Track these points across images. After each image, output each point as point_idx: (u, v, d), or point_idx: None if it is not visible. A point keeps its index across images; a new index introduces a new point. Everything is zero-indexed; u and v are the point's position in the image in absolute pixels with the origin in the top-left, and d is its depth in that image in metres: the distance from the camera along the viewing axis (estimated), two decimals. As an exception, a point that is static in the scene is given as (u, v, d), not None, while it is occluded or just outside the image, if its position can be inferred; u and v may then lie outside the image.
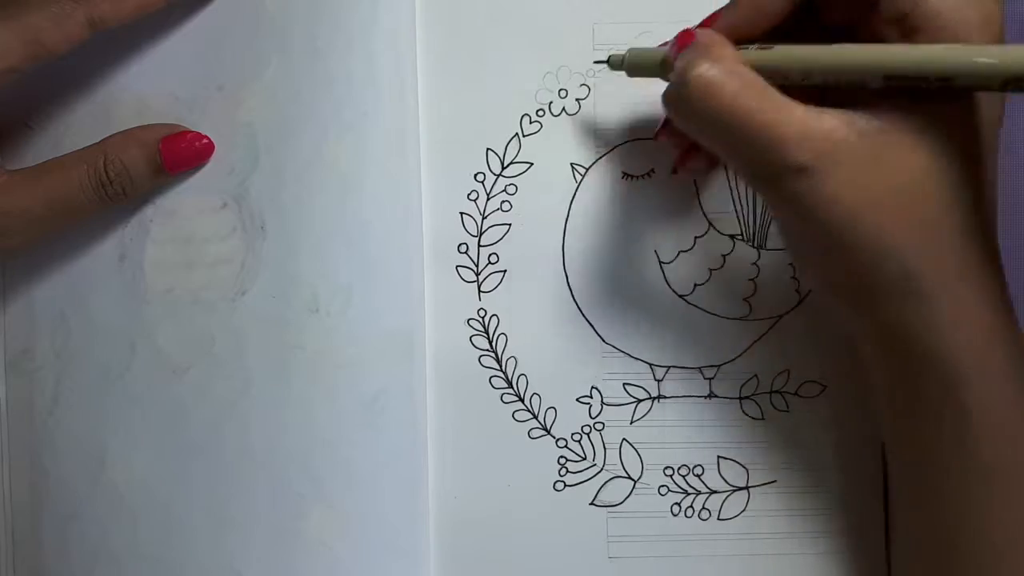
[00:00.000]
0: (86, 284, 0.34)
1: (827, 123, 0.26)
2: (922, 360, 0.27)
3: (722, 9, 0.30)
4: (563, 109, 0.35)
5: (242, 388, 0.34)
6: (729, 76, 0.27)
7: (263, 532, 0.33)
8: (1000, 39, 0.26)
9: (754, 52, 0.28)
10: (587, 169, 0.35)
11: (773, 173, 0.26)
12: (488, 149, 0.35)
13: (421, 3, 0.34)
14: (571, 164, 0.35)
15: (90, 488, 0.34)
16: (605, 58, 0.33)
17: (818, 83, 0.27)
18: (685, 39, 0.29)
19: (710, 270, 0.35)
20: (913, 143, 0.26)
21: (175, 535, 0.34)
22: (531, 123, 0.35)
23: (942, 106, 0.26)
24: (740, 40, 0.29)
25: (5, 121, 0.34)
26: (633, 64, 0.32)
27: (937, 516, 0.28)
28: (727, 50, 0.28)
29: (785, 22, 0.29)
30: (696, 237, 0.35)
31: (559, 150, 0.35)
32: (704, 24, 0.30)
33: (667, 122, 0.33)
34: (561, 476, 0.35)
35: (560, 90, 0.35)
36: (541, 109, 0.35)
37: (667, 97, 0.28)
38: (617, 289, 0.35)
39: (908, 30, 0.26)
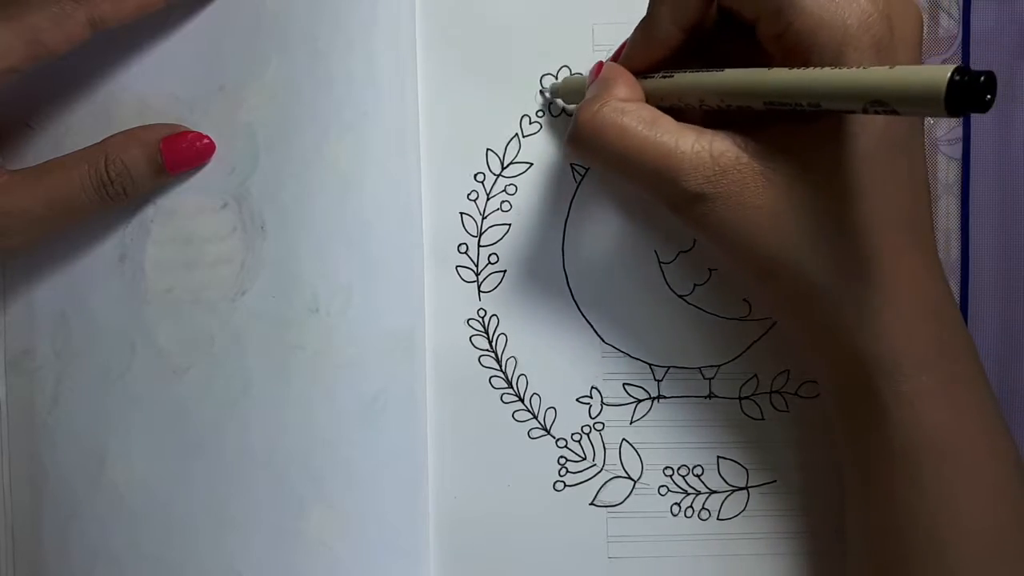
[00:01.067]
0: (86, 284, 0.34)
1: (717, 147, 0.28)
2: (849, 362, 0.28)
3: (625, 41, 0.31)
4: (563, 109, 0.35)
5: (242, 388, 0.34)
6: (617, 113, 0.28)
7: (263, 532, 0.33)
8: (883, 39, 0.26)
9: (651, 81, 0.30)
10: (587, 169, 0.35)
11: (674, 201, 0.28)
12: (488, 149, 0.35)
13: (421, 3, 0.34)
14: (571, 164, 0.35)
15: (90, 488, 0.34)
16: (551, 81, 0.34)
17: (715, 107, 0.28)
18: (598, 70, 0.31)
19: (710, 270, 0.35)
20: (796, 159, 0.27)
21: (175, 535, 0.34)
22: (531, 123, 0.35)
23: (823, 124, 0.27)
24: (647, 68, 0.30)
25: (6, 121, 0.34)
26: (563, 92, 0.34)
27: (880, 512, 0.29)
28: (619, 87, 0.29)
29: (683, 50, 0.30)
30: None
31: (559, 150, 0.35)
32: (614, 56, 0.32)
33: None
34: (561, 476, 0.35)
35: (560, 90, 0.35)
36: (541, 109, 0.35)
37: (566, 140, 0.30)
38: (617, 289, 0.35)
39: (785, 50, 0.27)
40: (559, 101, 0.34)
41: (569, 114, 0.35)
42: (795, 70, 0.25)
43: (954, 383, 0.28)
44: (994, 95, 0.22)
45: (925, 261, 0.28)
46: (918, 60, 0.28)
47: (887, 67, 0.23)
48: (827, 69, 0.25)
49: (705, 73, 0.28)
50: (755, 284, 0.30)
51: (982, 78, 0.21)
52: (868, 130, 0.27)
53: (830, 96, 0.24)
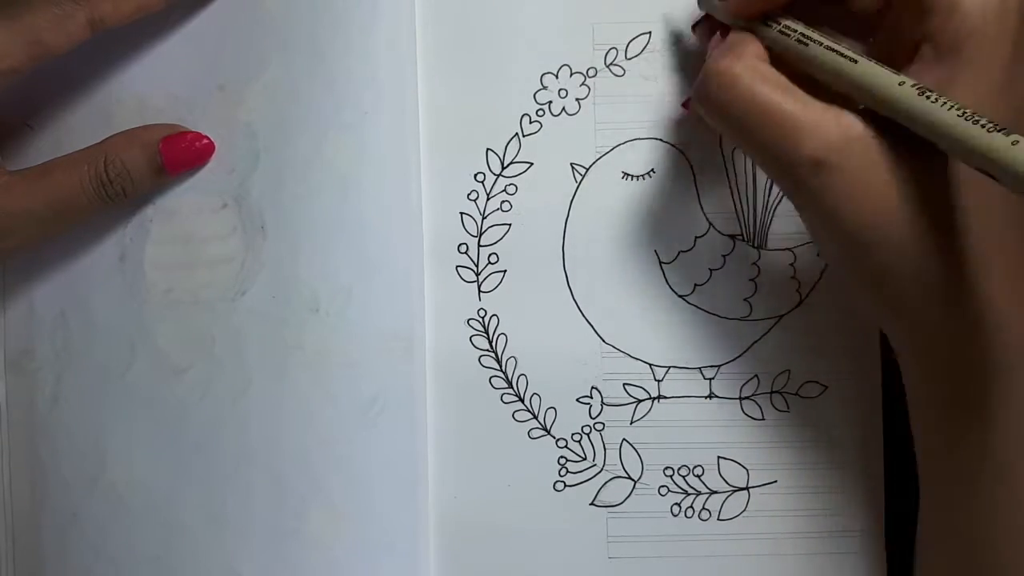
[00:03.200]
0: (86, 284, 0.34)
1: (844, 120, 0.26)
2: (948, 364, 0.27)
3: None
4: (563, 109, 0.35)
5: (242, 388, 0.34)
6: (748, 71, 0.27)
7: (262, 532, 0.33)
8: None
9: (782, 41, 0.28)
10: (587, 169, 0.35)
11: (789, 165, 0.26)
12: (488, 149, 0.35)
13: (421, 3, 0.34)
14: (571, 164, 0.35)
15: (90, 488, 0.34)
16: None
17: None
18: (713, 28, 0.30)
19: (710, 270, 0.35)
20: (927, 152, 0.26)
21: (174, 535, 0.34)
22: (531, 123, 0.35)
23: None
24: (765, 10, 0.29)
25: (6, 121, 0.34)
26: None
27: (962, 519, 0.28)
28: (750, 47, 0.28)
29: None
30: (696, 237, 0.35)
31: (559, 150, 0.35)
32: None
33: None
34: (561, 476, 0.35)
35: (560, 90, 0.35)
36: (541, 109, 0.35)
37: (694, 91, 0.29)
38: (617, 289, 0.35)
39: (920, 19, 0.26)
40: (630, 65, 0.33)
41: (571, 114, 0.35)
42: (926, 100, 0.24)
43: None
44: None
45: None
46: None
47: (1011, 139, 0.22)
48: (955, 114, 0.23)
49: (842, 59, 0.27)
50: (859, 275, 0.28)
51: None
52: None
53: (947, 144, 0.24)
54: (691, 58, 0.34)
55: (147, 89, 0.34)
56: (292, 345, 0.33)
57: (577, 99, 0.35)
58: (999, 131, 0.23)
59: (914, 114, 0.25)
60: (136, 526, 0.34)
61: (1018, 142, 0.22)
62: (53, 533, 0.34)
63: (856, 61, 0.26)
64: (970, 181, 0.26)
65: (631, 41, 0.34)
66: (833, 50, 0.27)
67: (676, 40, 0.34)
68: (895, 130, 0.26)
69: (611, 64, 0.35)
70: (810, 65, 0.28)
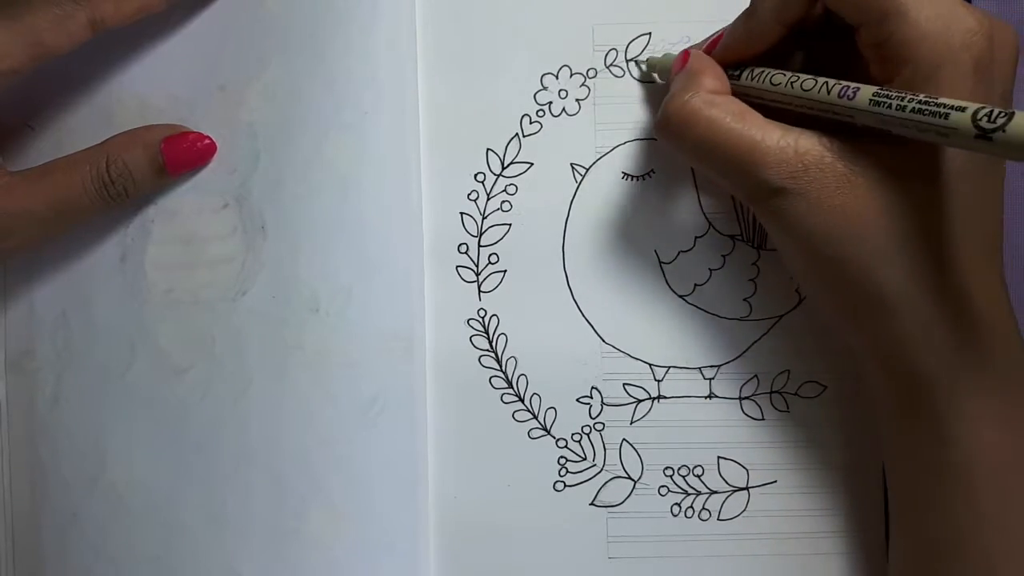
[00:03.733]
0: (87, 284, 0.34)
1: (802, 145, 0.27)
2: (910, 376, 0.28)
3: (722, 30, 0.31)
4: (563, 109, 0.35)
5: (242, 388, 0.34)
6: (706, 105, 0.29)
7: (262, 532, 0.33)
8: (982, 58, 0.26)
9: (743, 80, 0.30)
10: (587, 169, 0.35)
11: (752, 192, 0.28)
12: (488, 149, 0.35)
13: (421, 3, 0.34)
14: (571, 164, 0.35)
15: (90, 488, 0.34)
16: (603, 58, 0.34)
17: (802, 112, 0.28)
18: (684, 59, 0.31)
19: (710, 270, 0.35)
20: (883, 165, 0.27)
21: (175, 535, 0.34)
22: (531, 123, 0.35)
23: (906, 146, 0.27)
24: (742, 61, 0.30)
25: (7, 122, 0.34)
26: (660, 68, 0.34)
27: (930, 525, 0.29)
28: (707, 79, 0.29)
29: (781, 46, 0.30)
30: (696, 237, 0.35)
31: (559, 150, 0.35)
32: (708, 48, 0.31)
33: None
34: (561, 476, 0.35)
35: (560, 90, 0.35)
36: (541, 109, 0.35)
37: (655, 126, 0.30)
38: (617, 289, 0.35)
39: (883, 59, 0.27)
40: (655, 76, 0.34)
41: (571, 114, 0.35)
42: (880, 104, 0.25)
43: (1016, 407, 0.28)
44: None
45: (994, 281, 0.28)
46: (1011, 80, 0.27)
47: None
48: (910, 101, 0.24)
49: (795, 86, 0.28)
50: (822, 289, 0.29)
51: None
52: (976, 167, 0.26)
53: (912, 133, 0.25)
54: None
55: (148, 89, 0.34)
56: (292, 345, 0.33)
57: (577, 99, 0.35)
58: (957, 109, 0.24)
59: (872, 119, 0.26)
60: (136, 526, 0.34)
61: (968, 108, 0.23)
62: (53, 533, 0.34)
63: (811, 85, 0.28)
64: (928, 196, 0.27)
65: (631, 42, 0.34)
66: (788, 76, 0.28)
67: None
68: (851, 152, 0.27)
69: (611, 65, 0.35)
70: (779, 97, 0.29)
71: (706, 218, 0.35)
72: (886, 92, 0.25)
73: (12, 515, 0.34)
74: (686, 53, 0.31)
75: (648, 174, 0.35)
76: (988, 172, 0.27)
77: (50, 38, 0.30)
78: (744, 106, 0.29)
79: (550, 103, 0.35)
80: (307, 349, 0.33)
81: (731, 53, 0.30)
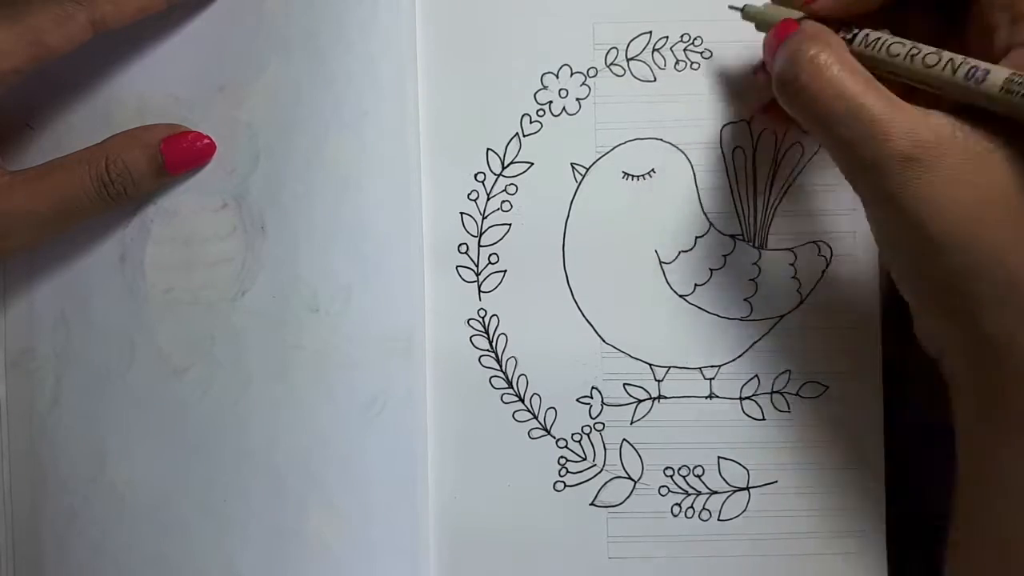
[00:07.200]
0: (87, 284, 0.34)
1: (934, 119, 0.26)
2: (1015, 375, 0.26)
3: None
4: (563, 109, 0.35)
5: (242, 388, 0.34)
6: (837, 61, 0.27)
7: (262, 532, 0.33)
8: None
9: (856, 44, 0.28)
10: (587, 169, 0.35)
11: (876, 162, 0.26)
12: (488, 149, 0.35)
13: (421, 3, 0.34)
14: (571, 164, 0.35)
15: (90, 488, 0.34)
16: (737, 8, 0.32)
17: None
18: (787, 29, 0.29)
19: (710, 270, 0.34)
20: (1014, 150, 0.25)
21: (175, 535, 0.34)
22: (531, 123, 0.35)
23: None
24: (849, 16, 0.29)
25: (6, 122, 0.34)
26: (759, 18, 0.31)
27: (1006, 524, 0.28)
28: (834, 38, 0.28)
29: (884, 8, 0.28)
30: (696, 237, 0.35)
31: (559, 150, 0.35)
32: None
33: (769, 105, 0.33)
34: (561, 476, 0.35)
35: (560, 90, 0.35)
36: (541, 109, 0.35)
37: (779, 79, 0.28)
38: (617, 289, 0.35)
39: (1018, 15, 0.25)
40: (752, 25, 0.32)
41: (571, 114, 0.35)
42: (1013, 93, 0.24)
43: None
44: None
45: None
46: None
47: None
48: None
49: (915, 59, 0.27)
50: (931, 279, 0.27)
51: None
52: None
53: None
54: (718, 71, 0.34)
55: (148, 89, 0.34)
56: (292, 345, 0.33)
57: (577, 99, 0.35)
58: None
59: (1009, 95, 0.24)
60: (136, 526, 0.34)
61: None
62: (53, 533, 0.34)
63: (934, 62, 0.26)
64: None
65: (631, 41, 0.34)
66: (921, 52, 0.27)
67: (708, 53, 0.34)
68: (983, 131, 0.25)
69: (611, 64, 0.35)
70: (895, 68, 0.27)
71: (706, 218, 0.35)
72: (1021, 77, 0.24)
73: (12, 515, 0.34)
74: (788, 23, 0.29)
75: (648, 174, 0.35)
76: None
77: (50, 38, 0.30)
78: (867, 71, 0.27)
79: (550, 102, 0.35)
80: (307, 349, 0.33)
81: (840, 6, 0.29)
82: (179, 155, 0.33)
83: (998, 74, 0.24)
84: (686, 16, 0.34)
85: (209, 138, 0.34)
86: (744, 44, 0.34)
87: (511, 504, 0.34)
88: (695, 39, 0.34)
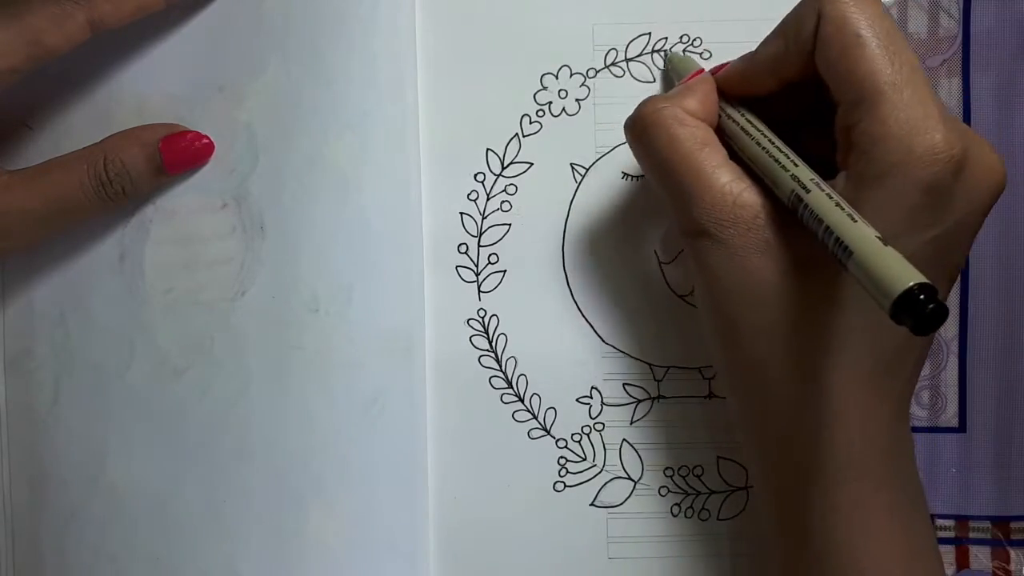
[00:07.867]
0: (86, 284, 0.34)
1: (744, 198, 0.27)
2: (780, 460, 0.28)
3: (730, 63, 0.30)
4: (563, 109, 0.35)
5: (242, 388, 0.34)
6: (675, 121, 0.28)
7: (262, 532, 0.33)
8: (941, 184, 0.24)
9: (731, 120, 0.29)
10: (587, 169, 0.35)
11: (684, 225, 0.28)
12: (488, 149, 0.35)
13: (421, 3, 0.34)
14: (571, 164, 0.35)
15: (90, 488, 0.34)
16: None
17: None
18: (696, 74, 0.31)
19: (710, 270, 0.35)
20: (806, 253, 0.26)
21: (174, 535, 0.34)
22: (531, 123, 0.35)
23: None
24: (738, 95, 0.30)
25: (5, 122, 0.34)
26: (671, 68, 0.34)
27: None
28: (693, 99, 0.29)
29: (778, 96, 0.29)
30: (696, 237, 0.35)
31: (559, 150, 0.35)
32: (715, 70, 0.31)
33: None
34: (561, 476, 0.35)
35: (560, 90, 0.35)
36: (541, 109, 0.35)
37: (625, 122, 0.29)
38: (617, 289, 0.35)
39: (847, 144, 0.26)
40: (669, 73, 0.34)
41: (571, 114, 0.35)
42: (824, 197, 0.24)
43: (886, 510, 0.27)
44: (936, 326, 0.21)
45: (879, 422, 0.27)
46: (978, 221, 0.26)
47: (882, 241, 0.22)
48: (844, 216, 0.23)
49: (771, 147, 0.27)
50: (719, 347, 0.29)
51: (931, 306, 0.20)
52: None
53: (831, 240, 0.24)
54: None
55: (147, 89, 0.34)
56: (292, 345, 0.33)
57: (577, 99, 0.35)
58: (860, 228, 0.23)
59: (821, 211, 0.24)
60: (136, 526, 0.34)
61: (886, 243, 0.22)
62: (52, 532, 0.34)
63: (785, 164, 0.27)
64: (846, 301, 0.26)
65: (631, 42, 0.34)
66: (764, 147, 0.27)
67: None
68: (786, 222, 0.26)
69: (611, 65, 0.35)
70: (737, 140, 0.29)
71: (706, 218, 0.35)
72: (809, 200, 0.25)
73: (12, 515, 0.34)
74: (701, 70, 0.31)
75: (648, 174, 0.35)
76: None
77: (49, 38, 0.30)
78: (713, 139, 0.28)
79: (550, 103, 0.35)
80: (307, 349, 0.33)
81: (728, 85, 0.30)
82: (178, 155, 0.33)
83: (789, 185, 0.25)
84: (685, 17, 0.34)
85: (208, 138, 0.33)
86: (744, 45, 0.34)
87: (511, 504, 0.34)
88: (694, 40, 0.34)
